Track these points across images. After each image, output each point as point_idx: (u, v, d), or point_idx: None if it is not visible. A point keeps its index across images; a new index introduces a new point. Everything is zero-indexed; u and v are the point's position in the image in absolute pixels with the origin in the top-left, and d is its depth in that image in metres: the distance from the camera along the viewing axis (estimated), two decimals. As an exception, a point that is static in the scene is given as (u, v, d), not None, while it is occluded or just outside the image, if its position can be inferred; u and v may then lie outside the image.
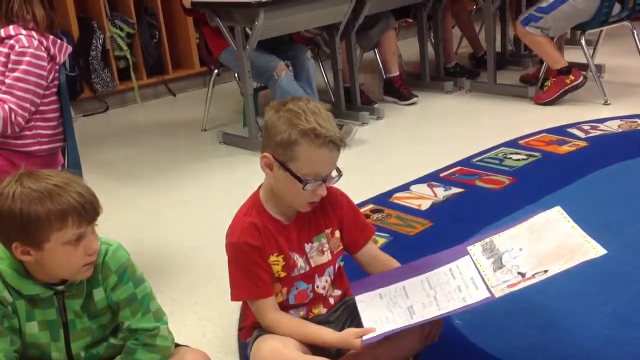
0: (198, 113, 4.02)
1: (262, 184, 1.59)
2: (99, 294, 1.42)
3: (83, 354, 1.45)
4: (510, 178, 2.76)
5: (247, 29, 3.32)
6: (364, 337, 1.46)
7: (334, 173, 1.52)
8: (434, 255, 1.60)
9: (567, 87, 3.63)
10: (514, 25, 4.57)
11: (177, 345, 1.53)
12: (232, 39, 3.32)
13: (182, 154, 3.59)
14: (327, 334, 1.52)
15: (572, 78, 3.62)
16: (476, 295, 1.45)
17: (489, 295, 1.44)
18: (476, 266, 1.50)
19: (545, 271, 1.40)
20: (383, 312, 1.51)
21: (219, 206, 2.76)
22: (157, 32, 4.73)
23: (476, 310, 1.84)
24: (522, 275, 1.43)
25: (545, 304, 1.86)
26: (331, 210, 1.60)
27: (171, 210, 2.86)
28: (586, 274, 1.98)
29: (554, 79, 3.67)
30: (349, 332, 1.49)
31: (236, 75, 3.64)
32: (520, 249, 1.47)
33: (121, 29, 4.56)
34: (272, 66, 3.39)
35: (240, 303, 1.79)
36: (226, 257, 1.55)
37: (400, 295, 1.54)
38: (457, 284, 1.49)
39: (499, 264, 1.47)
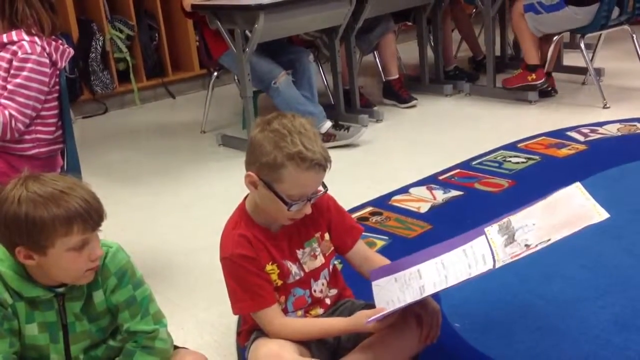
0: (197, 115, 4.02)
1: (247, 195, 1.59)
2: (98, 297, 1.42)
3: (82, 356, 1.45)
4: (510, 181, 2.76)
5: (247, 31, 3.32)
6: (369, 318, 1.46)
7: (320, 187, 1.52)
8: (454, 238, 1.60)
9: (526, 84, 3.76)
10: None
11: (176, 347, 1.53)
12: (232, 42, 3.32)
13: (182, 156, 3.58)
14: (339, 322, 1.54)
15: (534, 77, 3.73)
16: (482, 268, 1.46)
17: (491, 267, 1.45)
18: (489, 244, 1.51)
19: (548, 240, 1.42)
20: (395, 293, 1.53)
21: (218, 208, 2.74)
22: (156, 34, 4.73)
23: (476, 314, 1.85)
24: (528, 246, 1.44)
25: (545, 309, 1.86)
26: (318, 214, 1.60)
27: (170, 213, 2.86)
28: (585, 278, 1.99)
29: (521, 71, 3.80)
30: (361, 314, 1.50)
31: (236, 77, 3.64)
32: (534, 224, 1.48)
33: (121, 31, 4.56)
34: (273, 75, 3.40)
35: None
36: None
37: (415, 277, 1.55)
38: (468, 262, 1.50)
39: (510, 240, 1.48)
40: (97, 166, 3.43)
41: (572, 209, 1.47)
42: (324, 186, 1.53)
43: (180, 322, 1.95)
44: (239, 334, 1.73)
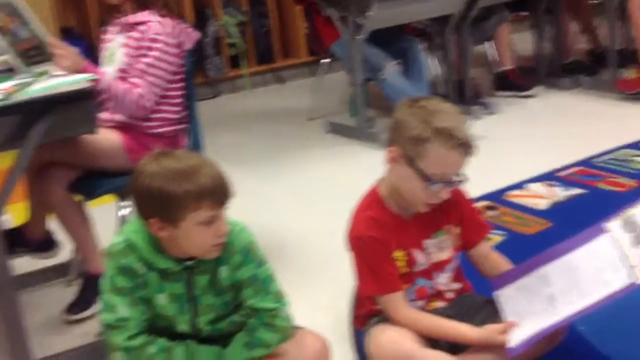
0: (305, 102, 4.05)
1: (382, 179, 1.58)
2: (224, 272, 1.46)
3: (208, 328, 1.49)
4: (638, 181, 2.60)
5: (358, 19, 3.31)
6: (513, 346, 1.41)
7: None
8: (570, 239, 1.54)
9: None
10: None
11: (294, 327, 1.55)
12: (344, 29, 3.31)
13: (289, 142, 3.62)
14: (468, 331, 1.50)
15: None
16: (617, 279, 1.37)
17: (631, 281, 1.36)
18: (615, 243, 1.44)
19: None
20: (522, 304, 1.49)
21: (326, 194, 2.77)
22: (267, 22, 4.81)
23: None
24: None
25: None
26: (452, 207, 1.57)
27: (283, 196, 2.88)
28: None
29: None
30: (493, 329, 1.47)
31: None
32: None
33: (234, 18, 4.66)
34: (382, 65, 3.37)
35: (352, 289, 1.78)
36: (337, 245, 1.55)
37: (540, 283, 1.50)
38: (596, 265, 1.43)
39: (639, 239, 1.40)
40: (208, 148, 3.52)
41: None
42: (463, 176, 1.50)
43: (294, 303, 1.97)
44: (355, 317, 1.73)
